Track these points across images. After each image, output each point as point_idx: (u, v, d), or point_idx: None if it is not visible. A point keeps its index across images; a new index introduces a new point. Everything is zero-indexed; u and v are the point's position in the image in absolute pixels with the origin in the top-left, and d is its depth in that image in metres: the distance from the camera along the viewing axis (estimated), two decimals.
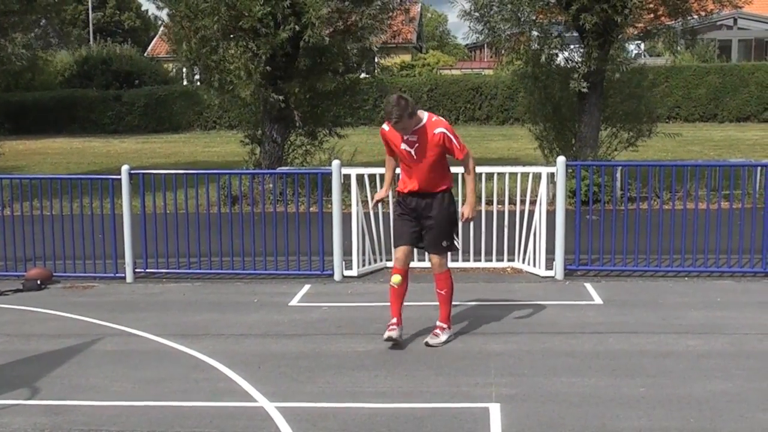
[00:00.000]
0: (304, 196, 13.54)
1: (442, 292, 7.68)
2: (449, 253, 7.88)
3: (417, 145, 7.33)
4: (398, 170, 7.80)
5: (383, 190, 8.12)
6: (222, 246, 10.53)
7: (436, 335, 7.61)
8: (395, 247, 7.65)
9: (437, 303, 7.75)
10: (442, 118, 7.48)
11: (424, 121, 7.33)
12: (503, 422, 5.77)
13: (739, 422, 5.73)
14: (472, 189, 7.53)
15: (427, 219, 7.52)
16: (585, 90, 15.38)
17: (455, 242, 7.75)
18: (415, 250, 8.05)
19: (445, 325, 7.69)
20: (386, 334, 7.46)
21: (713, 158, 22.07)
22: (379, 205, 9.70)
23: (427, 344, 7.53)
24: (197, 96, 39.41)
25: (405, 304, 7.57)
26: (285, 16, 15.31)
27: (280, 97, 15.89)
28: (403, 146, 7.39)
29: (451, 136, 7.32)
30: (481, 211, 10.61)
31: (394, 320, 7.53)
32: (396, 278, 7.52)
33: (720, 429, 5.62)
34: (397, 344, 7.47)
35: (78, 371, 7.06)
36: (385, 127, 7.53)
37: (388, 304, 7.58)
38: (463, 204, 7.66)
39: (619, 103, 16.90)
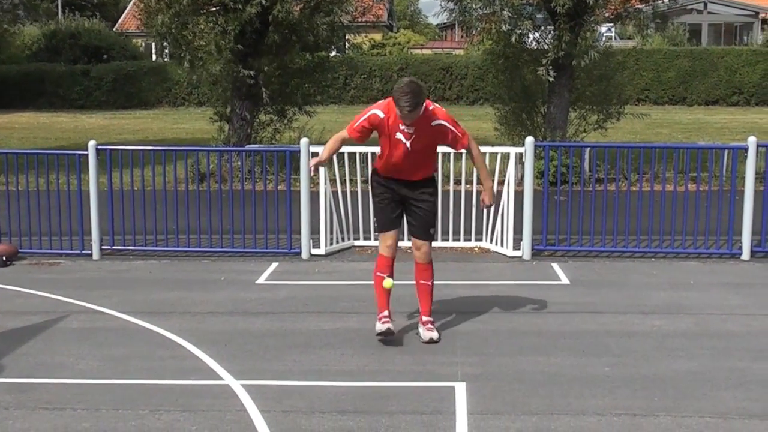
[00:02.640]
0: (272, 174, 13.52)
1: (428, 284, 7.18)
2: None
3: (414, 137, 6.77)
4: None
5: (324, 156, 7.14)
6: (189, 223, 10.48)
7: (431, 330, 7.10)
8: (383, 232, 7.14)
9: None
10: (439, 107, 6.95)
11: (422, 110, 6.71)
12: (469, 401, 5.79)
13: (702, 401, 5.79)
14: (487, 173, 7.28)
15: (415, 205, 7.07)
16: (551, 78, 15.39)
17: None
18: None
19: (431, 319, 7.19)
20: (382, 327, 6.97)
21: (681, 141, 22.22)
22: (338, 181, 9.59)
23: (431, 341, 7.00)
24: (166, 72, 39.26)
25: (370, 282, 7.46)
26: None
27: (250, 72, 15.80)
28: (398, 136, 6.80)
29: (453, 128, 6.86)
30: (449, 190, 10.63)
31: (386, 312, 7.03)
32: (388, 282, 7.04)
33: (683, 407, 5.67)
34: (391, 335, 7.00)
35: (43, 349, 7.01)
36: (381, 114, 6.82)
37: (355, 282, 7.57)
38: (480, 191, 7.26)
39: (588, 85, 16.95)
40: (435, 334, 7.09)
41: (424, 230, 7.15)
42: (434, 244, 10.37)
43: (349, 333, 7.33)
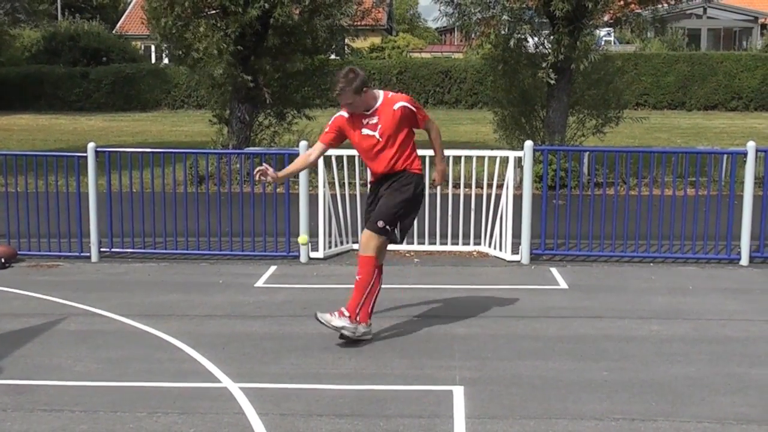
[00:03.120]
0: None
1: (357, 277, 6.97)
2: (387, 241, 7.05)
3: (380, 126, 6.86)
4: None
5: (282, 173, 7.35)
6: (188, 226, 10.48)
7: (332, 314, 6.92)
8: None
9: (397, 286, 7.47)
10: (400, 93, 7.10)
11: (381, 99, 6.88)
12: (466, 405, 5.79)
13: (700, 406, 5.79)
14: (442, 154, 7.24)
15: (381, 195, 7.03)
16: (552, 81, 15.42)
17: (395, 231, 7.00)
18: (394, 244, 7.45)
19: (347, 314, 6.92)
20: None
21: (680, 145, 22.23)
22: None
23: (315, 316, 6.95)
24: (165, 75, 39.26)
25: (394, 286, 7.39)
26: None
27: (249, 77, 15.81)
28: (365, 131, 6.89)
29: (413, 107, 6.89)
30: (447, 194, 10.63)
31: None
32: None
33: (682, 413, 5.67)
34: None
35: (41, 351, 7.01)
36: (345, 114, 6.98)
37: (353, 286, 7.53)
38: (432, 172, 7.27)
39: (587, 89, 16.96)
40: (324, 316, 6.91)
41: (371, 219, 7.00)
42: (432, 248, 10.51)
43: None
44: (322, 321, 6.95)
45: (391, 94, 7.00)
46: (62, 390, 6.12)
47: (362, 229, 7.23)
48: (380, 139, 6.90)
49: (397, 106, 6.86)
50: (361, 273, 6.97)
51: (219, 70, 15.54)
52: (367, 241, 6.96)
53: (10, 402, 5.88)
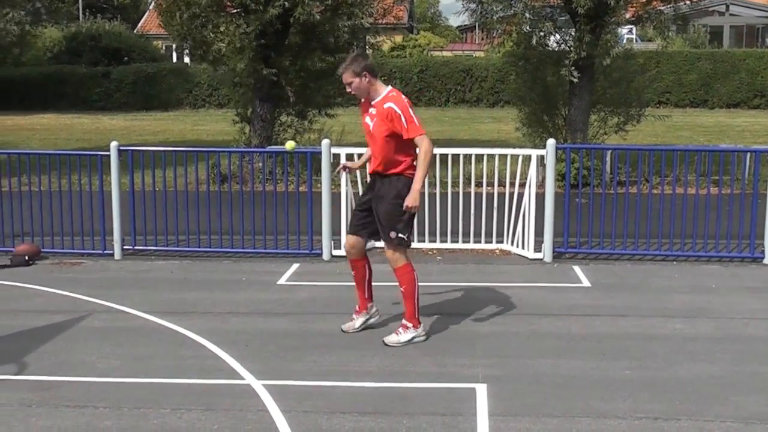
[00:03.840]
0: (293, 176, 13.54)
1: (401, 289, 7.11)
2: (405, 247, 7.10)
3: (375, 119, 6.94)
4: None
5: (356, 162, 7.95)
6: (211, 224, 10.51)
7: (398, 333, 7.10)
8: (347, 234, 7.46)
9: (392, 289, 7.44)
10: (400, 95, 6.97)
11: (383, 94, 6.93)
12: (489, 403, 5.79)
13: (724, 405, 5.76)
14: (419, 176, 6.82)
15: (375, 203, 7.06)
16: (575, 79, 15.38)
17: (409, 236, 7.11)
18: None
19: (409, 324, 7.11)
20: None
21: (703, 144, 22.13)
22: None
23: (384, 343, 7.05)
24: (186, 74, 39.40)
25: (396, 284, 7.39)
26: None
27: (273, 70, 15.84)
28: (366, 119, 7.07)
29: (399, 112, 6.76)
30: (470, 192, 10.62)
31: (356, 307, 7.48)
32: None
33: (705, 412, 5.65)
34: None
35: (65, 347, 7.05)
36: (363, 99, 7.20)
37: (376, 283, 7.56)
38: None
39: (609, 88, 16.91)
40: (391, 338, 7.06)
41: (383, 236, 7.05)
42: (455, 246, 10.50)
43: (369, 334, 7.34)
44: (393, 345, 7.03)
45: (394, 93, 6.97)
46: (86, 386, 6.16)
47: (348, 231, 7.45)
48: (371, 129, 7.03)
49: (387, 105, 6.86)
50: (404, 283, 7.07)
51: (241, 64, 15.56)
52: (392, 256, 7.05)
53: (35, 398, 5.92)
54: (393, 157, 6.93)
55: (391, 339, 7.06)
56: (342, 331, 7.40)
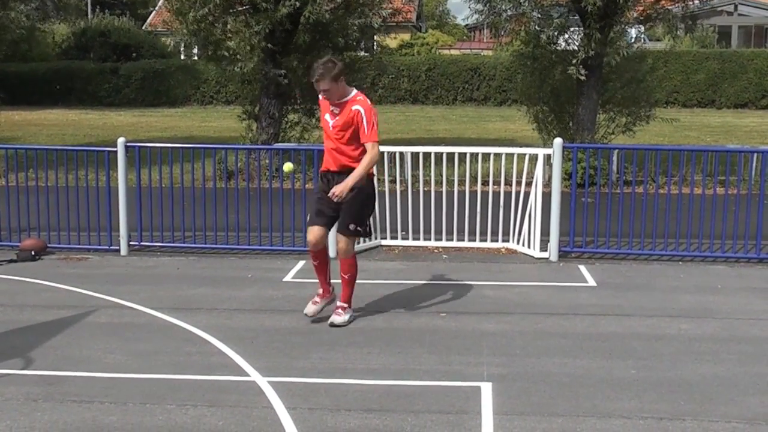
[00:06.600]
0: (300, 173, 13.56)
1: (345, 276, 7.51)
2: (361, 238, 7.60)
3: (337, 118, 7.21)
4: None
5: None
6: (217, 221, 10.52)
7: (339, 314, 7.51)
8: (308, 225, 7.58)
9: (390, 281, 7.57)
10: (367, 99, 7.29)
11: (350, 96, 7.22)
12: (494, 401, 5.79)
13: (729, 405, 5.76)
14: (356, 174, 7.13)
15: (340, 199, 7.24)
16: (582, 78, 15.37)
17: (368, 227, 7.66)
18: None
19: (347, 305, 7.57)
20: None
21: (710, 144, 22.08)
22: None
23: (331, 324, 7.45)
24: (194, 70, 39.38)
25: (402, 282, 7.48)
26: None
27: (282, 71, 15.84)
28: (327, 117, 7.28)
29: (363, 116, 7.11)
30: (476, 191, 10.62)
31: (319, 290, 7.67)
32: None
33: (710, 412, 5.64)
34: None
35: (71, 342, 7.07)
36: (321, 97, 7.44)
37: (382, 281, 7.59)
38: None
39: (617, 88, 16.89)
40: (337, 319, 7.48)
41: (342, 225, 7.40)
42: (461, 244, 10.50)
43: (375, 331, 7.35)
44: (341, 325, 7.46)
45: (361, 96, 7.26)
46: (92, 381, 6.18)
47: (307, 226, 7.61)
48: (332, 131, 7.25)
49: (354, 107, 7.16)
50: (348, 271, 7.49)
51: (250, 65, 15.57)
52: (345, 246, 7.44)
53: (41, 393, 5.94)
54: (356, 155, 7.25)
55: (338, 320, 7.48)
56: (306, 315, 7.59)
